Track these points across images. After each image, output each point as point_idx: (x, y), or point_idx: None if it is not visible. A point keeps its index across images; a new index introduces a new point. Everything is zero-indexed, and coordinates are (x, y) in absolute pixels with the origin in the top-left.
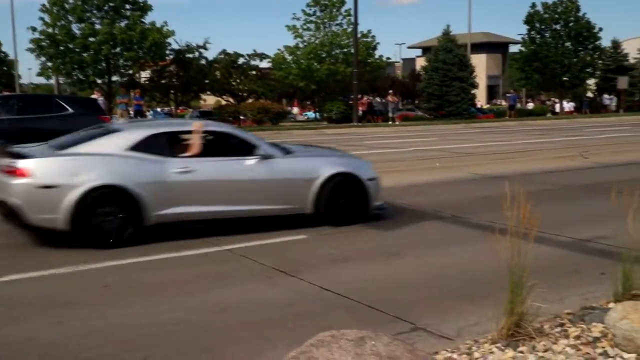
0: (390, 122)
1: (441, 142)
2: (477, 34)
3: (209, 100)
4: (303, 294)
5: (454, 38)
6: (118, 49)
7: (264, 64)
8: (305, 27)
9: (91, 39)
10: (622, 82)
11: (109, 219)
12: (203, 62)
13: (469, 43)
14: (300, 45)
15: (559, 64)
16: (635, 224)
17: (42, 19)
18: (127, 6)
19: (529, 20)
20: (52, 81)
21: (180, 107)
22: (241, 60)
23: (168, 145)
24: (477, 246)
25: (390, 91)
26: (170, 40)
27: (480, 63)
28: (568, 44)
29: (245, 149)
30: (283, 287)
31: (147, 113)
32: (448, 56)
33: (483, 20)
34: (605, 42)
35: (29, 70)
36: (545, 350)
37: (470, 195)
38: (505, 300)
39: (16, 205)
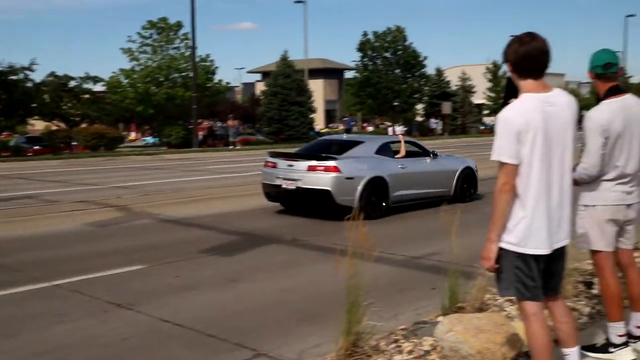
0: (231, 147)
1: None
2: (315, 60)
3: (38, 125)
4: (140, 327)
5: (291, 63)
6: None
7: (98, 87)
8: (141, 49)
9: None
10: (447, 107)
11: (372, 199)
12: (29, 84)
13: (306, 69)
14: (137, 68)
15: (390, 90)
16: (459, 240)
17: None
18: None
19: (362, 47)
20: None
21: (5, 133)
22: (72, 83)
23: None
24: (318, 267)
25: (231, 115)
26: None
27: (318, 88)
28: (397, 70)
29: (422, 151)
30: (118, 322)
31: None
32: (286, 81)
33: (320, 46)
34: (430, 69)
35: None
36: None
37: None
38: (343, 321)
39: (328, 191)
